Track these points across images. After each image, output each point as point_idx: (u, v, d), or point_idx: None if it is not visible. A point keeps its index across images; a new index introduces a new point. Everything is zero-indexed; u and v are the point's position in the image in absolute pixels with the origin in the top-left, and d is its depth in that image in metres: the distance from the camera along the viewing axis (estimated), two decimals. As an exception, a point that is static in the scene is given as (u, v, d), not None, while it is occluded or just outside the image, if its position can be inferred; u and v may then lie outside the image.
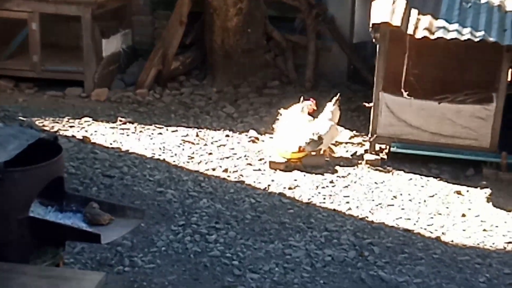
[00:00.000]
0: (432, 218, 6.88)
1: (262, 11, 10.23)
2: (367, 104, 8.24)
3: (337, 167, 7.88)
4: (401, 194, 7.33)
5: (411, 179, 7.71)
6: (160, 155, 7.85)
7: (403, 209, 7.03)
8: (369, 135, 8.16)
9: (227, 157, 7.97)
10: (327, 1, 10.46)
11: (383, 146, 8.23)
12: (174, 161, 7.72)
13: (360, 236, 6.39)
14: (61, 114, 8.81)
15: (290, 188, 7.30)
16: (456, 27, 7.66)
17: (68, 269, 5.13)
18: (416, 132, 8.02)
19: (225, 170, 7.60)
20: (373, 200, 7.17)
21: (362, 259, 5.99)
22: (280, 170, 7.71)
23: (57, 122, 8.53)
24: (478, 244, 6.45)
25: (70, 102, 9.35)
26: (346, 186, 7.45)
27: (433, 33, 7.64)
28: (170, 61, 10.00)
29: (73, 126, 8.46)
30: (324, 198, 7.14)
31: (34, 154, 4.62)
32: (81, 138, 8.03)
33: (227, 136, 8.61)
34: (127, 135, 8.38)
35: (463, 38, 7.58)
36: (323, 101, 8.75)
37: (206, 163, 7.76)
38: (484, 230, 6.70)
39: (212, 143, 8.37)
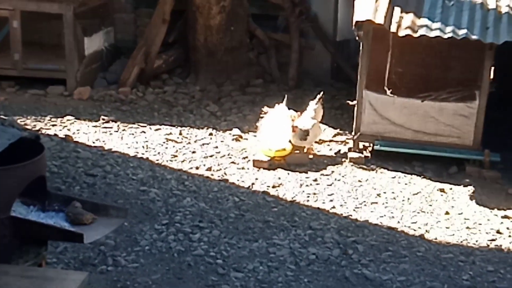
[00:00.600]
0: (415, 216, 6.89)
1: (245, 9, 10.21)
2: (350, 102, 8.24)
3: (321, 165, 7.87)
4: (384, 192, 7.34)
5: (394, 177, 7.72)
6: (143, 153, 7.81)
7: (387, 207, 7.04)
8: (353, 133, 8.17)
9: (211, 156, 7.94)
10: (310, -1, 10.47)
11: (366, 144, 8.23)
12: (157, 160, 7.69)
13: (344, 234, 6.39)
14: (43, 113, 8.76)
15: (274, 187, 7.28)
16: (438, 25, 7.67)
17: (50, 269, 5.09)
18: (399, 130, 8.04)
19: (209, 169, 7.58)
20: (357, 198, 7.17)
21: (346, 257, 5.99)
22: (264, 168, 7.70)
23: (39, 121, 8.47)
24: (461, 241, 6.46)
25: (52, 101, 9.28)
26: (330, 184, 7.45)
27: (416, 31, 7.66)
28: (153, 60, 9.96)
29: (55, 125, 8.41)
30: (308, 196, 7.13)
31: (16, 153, 4.58)
32: (64, 137, 7.98)
33: (211, 134, 8.59)
34: (110, 133, 8.34)
35: (445, 36, 7.59)
36: (307, 99, 8.75)
37: (189, 162, 7.74)
38: (468, 227, 6.72)
39: (195, 141, 8.34)
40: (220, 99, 9.74)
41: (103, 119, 8.69)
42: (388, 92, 7.92)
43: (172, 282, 5.47)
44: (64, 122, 8.52)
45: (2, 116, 8.41)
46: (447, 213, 6.98)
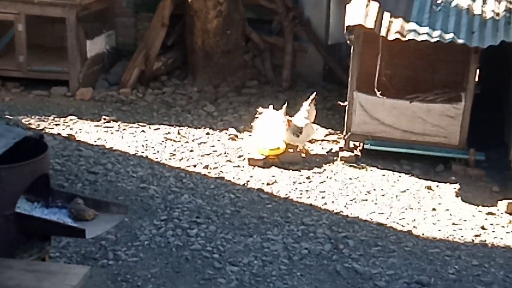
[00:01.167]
0: (404, 212, 6.91)
1: (240, 13, 10.20)
2: (341, 103, 8.24)
3: (313, 164, 7.88)
4: (374, 190, 7.35)
5: (384, 175, 7.73)
6: (143, 152, 7.81)
7: (376, 203, 7.05)
8: (344, 133, 8.18)
9: (208, 154, 7.94)
10: (303, 4, 10.46)
11: (357, 143, 8.23)
12: (156, 158, 7.69)
13: (336, 230, 6.40)
14: (46, 113, 8.74)
15: (268, 184, 7.29)
16: (426, 30, 7.68)
17: (53, 263, 5.10)
18: (389, 130, 8.05)
19: (206, 167, 7.58)
20: (347, 195, 7.18)
21: (337, 252, 6.01)
22: (258, 166, 7.70)
23: (43, 121, 8.46)
24: (447, 237, 6.48)
25: (55, 101, 9.27)
26: (322, 182, 7.45)
27: (404, 36, 7.67)
28: (152, 62, 9.95)
29: (59, 124, 8.39)
30: (301, 194, 7.14)
31: (21, 152, 4.58)
32: (66, 136, 7.97)
33: (208, 134, 8.58)
34: (111, 133, 8.33)
35: (433, 40, 7.60)
36: (300, 100, 8.75)
37: (187, 160, 7.74)
38: (454, 223, 6.73)
39: (193, 140, 8.34)
40: (216, 99, 9.73)
41: (105, 119, 8.68)
42: (378, 93, 7.93)
43: (171, 276, 5.47)
44: (67, 122, 8.51)
45: (7, 116, 8.40)
46: (434, 209, 6.99)
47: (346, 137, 8.15)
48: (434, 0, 8.01)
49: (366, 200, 7.12)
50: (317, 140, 8.52)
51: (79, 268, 4.53)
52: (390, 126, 8.03)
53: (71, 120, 8.58)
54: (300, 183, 7.39)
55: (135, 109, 9.26)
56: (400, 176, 7.72)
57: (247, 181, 7.34)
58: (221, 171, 7.52)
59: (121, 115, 8.97)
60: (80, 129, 8.30)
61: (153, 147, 7.98)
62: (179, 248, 5.86)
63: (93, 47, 9.90)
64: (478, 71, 7.97)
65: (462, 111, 7.85)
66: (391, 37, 7.69)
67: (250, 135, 8.48)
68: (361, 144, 8.19)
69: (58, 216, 4.65)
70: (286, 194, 7.11)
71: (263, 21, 10.59)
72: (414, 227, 6.62)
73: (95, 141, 7.97)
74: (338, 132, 8.65)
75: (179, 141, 8.26)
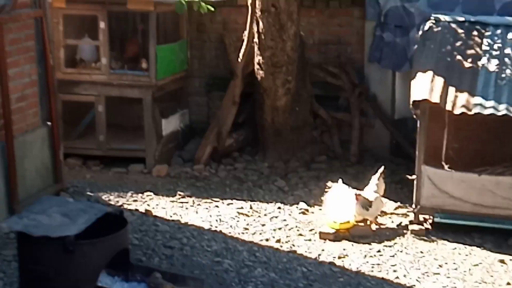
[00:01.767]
0: (477, 286, 6.66)
1: (308, 90, 10.26)
2: (410, 177, 8.09)
3: (383, 237, 7.72)
4: (446, 263, 7.13)
5: (455, 248, 7.50)
6: (216, 226, 7.80)
7: (448, 277, 6.82)
8: (413, 206, 8.01)
9: (280, 228, 7.88)
10: (369, 80, 10.46)
11: (426, 217, 8.04)
12: (230, 233, 7.66)
13: (409, 303, 6.21)
14: (125, 189, 8.86)
15: (339, 257, 7.16)
16: (492, 104, 7.54)
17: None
18: (458, 203, 7.83)
19: (278, 241, 7.51)
20: (419, 269, 6.98)
21: (411, 326, 5.81)
22: (329, 240, 7.59)
23: (122, 197, 8.56)
24: (523, 311, 6.21)
25: (133, 178, 9.40)
26: (393, 255, 7.28)
27: (470, 109, 7.55)
28: (225, 139, 10.04)
29: (136, 200, 8.48)
30: (372, 267, 6.98)
31: (102, 227, 4.63)
32: (144, 211, 8.04)
33: (279, 208, 8.53)
34: (186, 208, 8.36)
35: (499, 113, 7.47)
36: (368, 175, 8.64)
37: (260, 234, 7.68)
38: (529, 297, 6.46)
39: (265, 215, 8.29)
40: (287, 175, 9.71)
41: (180, 195, 8.74)
42: (446, 167, 7.79)
43: None
44: (144, 198, 8.59)
45: (88, 193, 8.54)
46: (508, 284, 6.72)
47: (415, 211, 7.98)
48: (499, 74, 7.90)
49: (439, 273, 6.90)
50: (387, 214, 8.36)
51: None
52: (460, 199, 7.82)
53: (148, 196, 8.66)
54: (371, 256, 7.24)
55: (209, 185, 9.30)
56: (472, 250, 7.47)
57: (319, 254, 7.22)
58: (293, 245, 7.43)
59: (195, 191, 9.01)
60: (157, 205, 8.36)
61: (226, 222, 7.96)
62: (253, 321, 5.76)
63: (168, 125, 10.06)
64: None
65: (532, 184, 7.62)
66: (457, 111, 7.58)
67: (320, 209, 8.39)
68: (431, 217, 8.00)
69: (138, 290, 4.64)
70: (358, 268, 6.95)
71: (330, 98, 10.60)
72: (488, 301, 6.37)
73: (171, 216, 8.00)
74: (407, 205, 8.47)
75: (252, 216, 8.23)
